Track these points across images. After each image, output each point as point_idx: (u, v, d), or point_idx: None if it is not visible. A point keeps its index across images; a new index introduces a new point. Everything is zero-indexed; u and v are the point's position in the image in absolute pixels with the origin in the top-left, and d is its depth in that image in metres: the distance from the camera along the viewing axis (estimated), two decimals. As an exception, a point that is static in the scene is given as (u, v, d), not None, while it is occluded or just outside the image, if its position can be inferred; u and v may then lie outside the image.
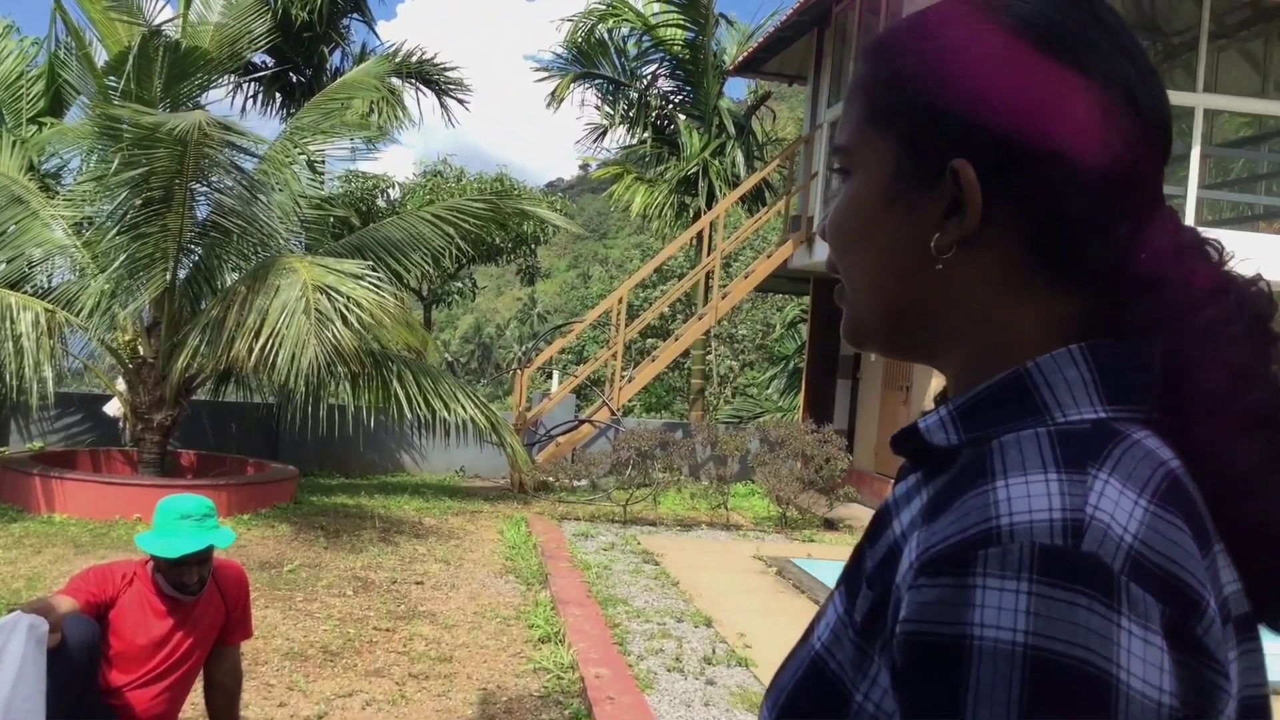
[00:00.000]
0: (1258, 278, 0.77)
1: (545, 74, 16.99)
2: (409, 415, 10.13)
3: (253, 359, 8.90)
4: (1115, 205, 0.73)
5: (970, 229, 0.73)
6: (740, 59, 15.59)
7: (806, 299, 16.41)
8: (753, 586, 7.99)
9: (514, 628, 6.47)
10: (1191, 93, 11.21)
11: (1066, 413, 0.70)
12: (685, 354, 15.65)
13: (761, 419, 18.32)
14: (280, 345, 8.69)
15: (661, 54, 16.75)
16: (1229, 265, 0.77)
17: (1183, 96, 11.35)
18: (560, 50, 17.01)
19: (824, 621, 0.80)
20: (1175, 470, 0.68)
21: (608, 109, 17.28)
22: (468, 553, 8.57)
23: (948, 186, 0.74)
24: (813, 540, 9.99)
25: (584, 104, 17.74)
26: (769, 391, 20.80)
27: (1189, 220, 10.99)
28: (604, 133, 17.62)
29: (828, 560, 8.99)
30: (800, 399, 16.06)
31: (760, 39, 14.89)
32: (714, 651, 6.12)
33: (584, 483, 11.55)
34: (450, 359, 32.44)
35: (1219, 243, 0.78)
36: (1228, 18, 11.81)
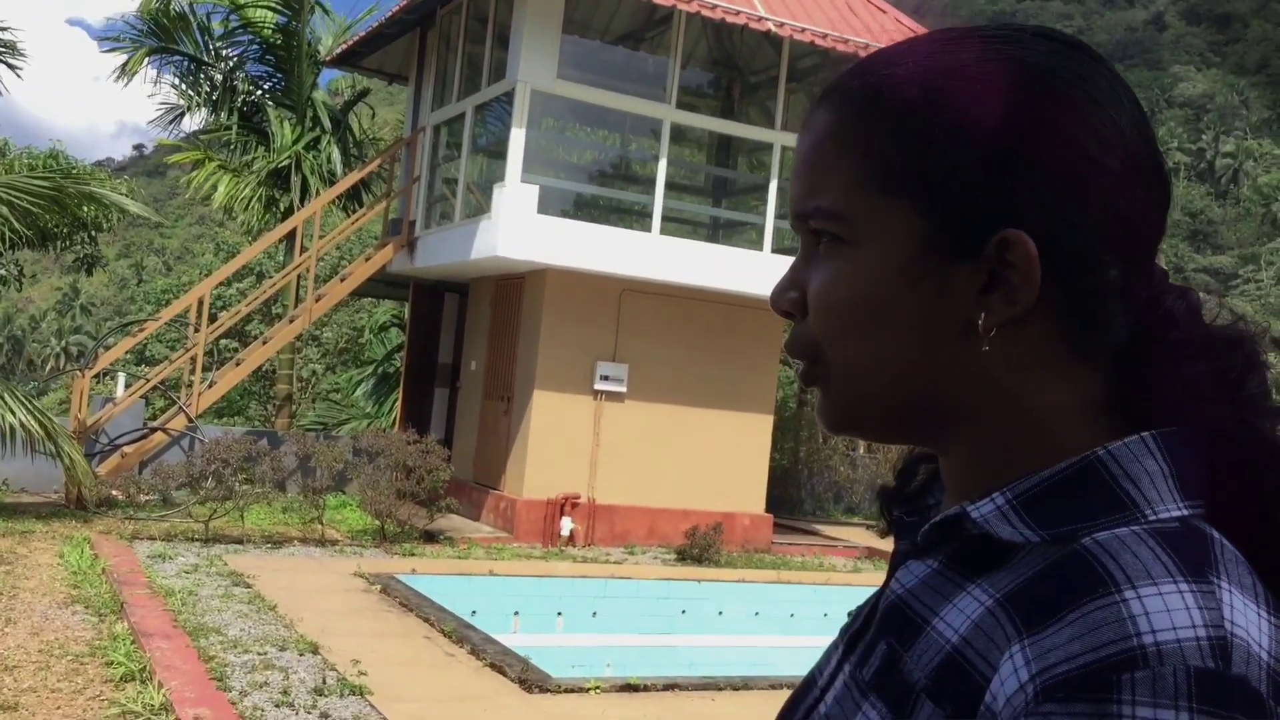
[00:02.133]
0: (1242, 319, 0.72)
1: (115, 45, 15.41)
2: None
3: None
4: (1138, 270, 0.69)
5: (1025, 308, 0.67)
6: (337, 51, 14.97)
7: (398, 303, 16.06)
8: (357, 606, 7.60)
9: (90, 666, 5.70)
10: (770, 130, 12.13)
11: (1156, 510, 0.63)
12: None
13: (348, 425, 17.71)
14: None
15: (250, 36, 15.74)
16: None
17: (763, 133, 12.27)
18: (134, 21, 15.50)
19: None
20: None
21: (187, 89, 15.96)
22: (22, 580, 7.49)
23: (989, 259, 0.67)
24: (414, 554, 9.70)
25: (159, 81, 16.26)
26: (356, 396, 20.17)
27: (767, 247, 11.88)
28: (182, 114, 16.28)
29: (432, 575, 8.76)
30: (392, 405, 15.68)
31: (361, 33, 14.37)
32: (325, 681, 5.71)
33: (156, 497, 10.54)
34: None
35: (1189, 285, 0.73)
36: (800, 63, 12.90)
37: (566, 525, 11.02)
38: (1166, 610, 0.56)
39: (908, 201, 0.68)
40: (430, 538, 10.44)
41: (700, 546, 10.84)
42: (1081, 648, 0.56)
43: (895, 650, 0.68)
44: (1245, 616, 0.58)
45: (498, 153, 11.62)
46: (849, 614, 0.80)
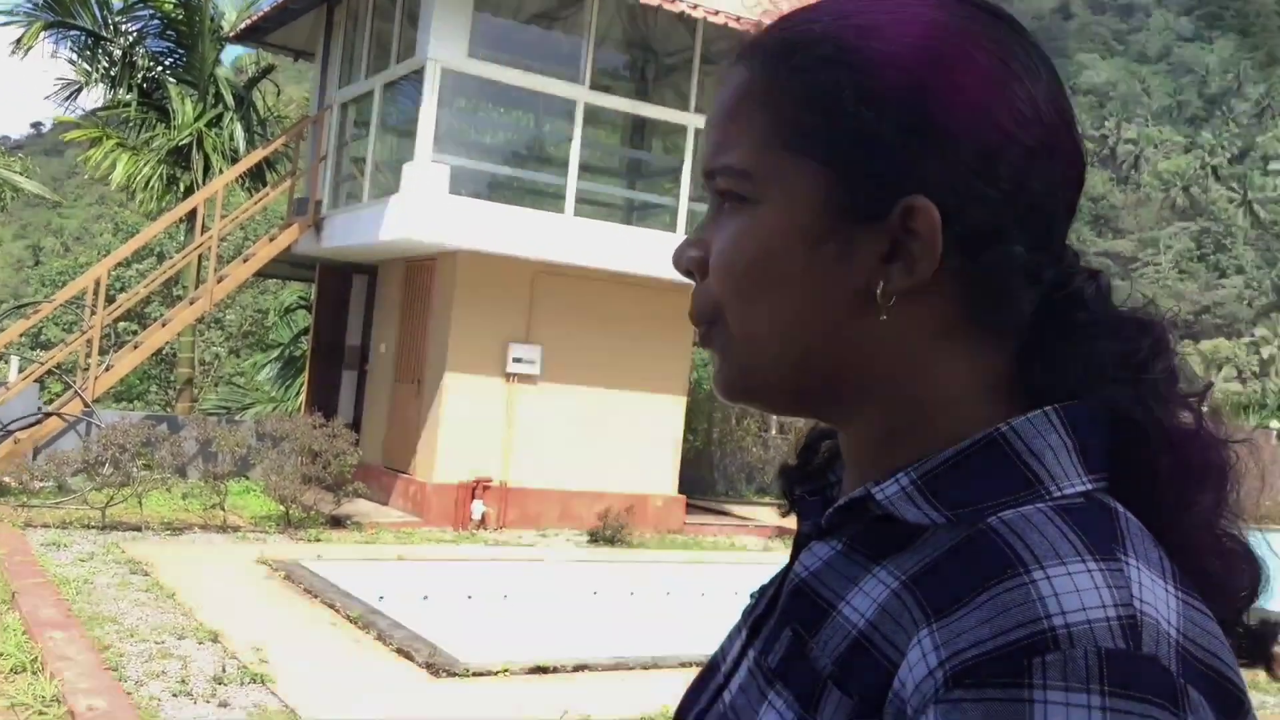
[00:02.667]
0: (1153, 303, 0.71)
1: (9, 19, 14.81)
2: None
3: None
4: (1046, 248, 0.67)
5: (924, 279, 0.65)
6: (241, 26, 14.59)
7: (304, 285, 15.76)
8: (260, 594, 7.44)
9: (-24, 660, 5.49)
10: (684, 112, 12.12)
11: (1060, 485, 0.63)
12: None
13: (253, 410, 17.35)
14: None
15: (151, 10, 15.26)
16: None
17: (678, 115, 12.25)
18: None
19: None
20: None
21: (85, 65, 15.43)
22: (-95, 571, 7.19)
23: (892, 226, 0.65)
24: (319, 540, 9.54)
25: (55, 56, 15.70)
26: (260, 380, 19.77)
27: (681, 230, 11.88)
28: (79, 90, 15.73)
29: (339, 561, 8.62)
30: (299, 389, 15.40)
31: (265, 8, 14.02)
32: (225, 670, 5.58)
33: (50, 484, 10.21)
34: None
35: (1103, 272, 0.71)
36: (714, 45, 12.89)
37: (478, 509, 10.93)
38: (1076, 590, 0.55)
39: (813, 161, 0.66)
40: (337, 523, 10.28)
41: (613, 528, 10.84)
42: (991, 631, 0.55)
43: (801, 636, 0.66)
44: (1153, 593, 0.57)
45: (407, 132, 11.43)
46: (751, 595, 0.78)
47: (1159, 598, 0.57)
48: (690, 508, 12.67)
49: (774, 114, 0.68)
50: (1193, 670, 0.55)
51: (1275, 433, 22.92)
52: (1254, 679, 0.68)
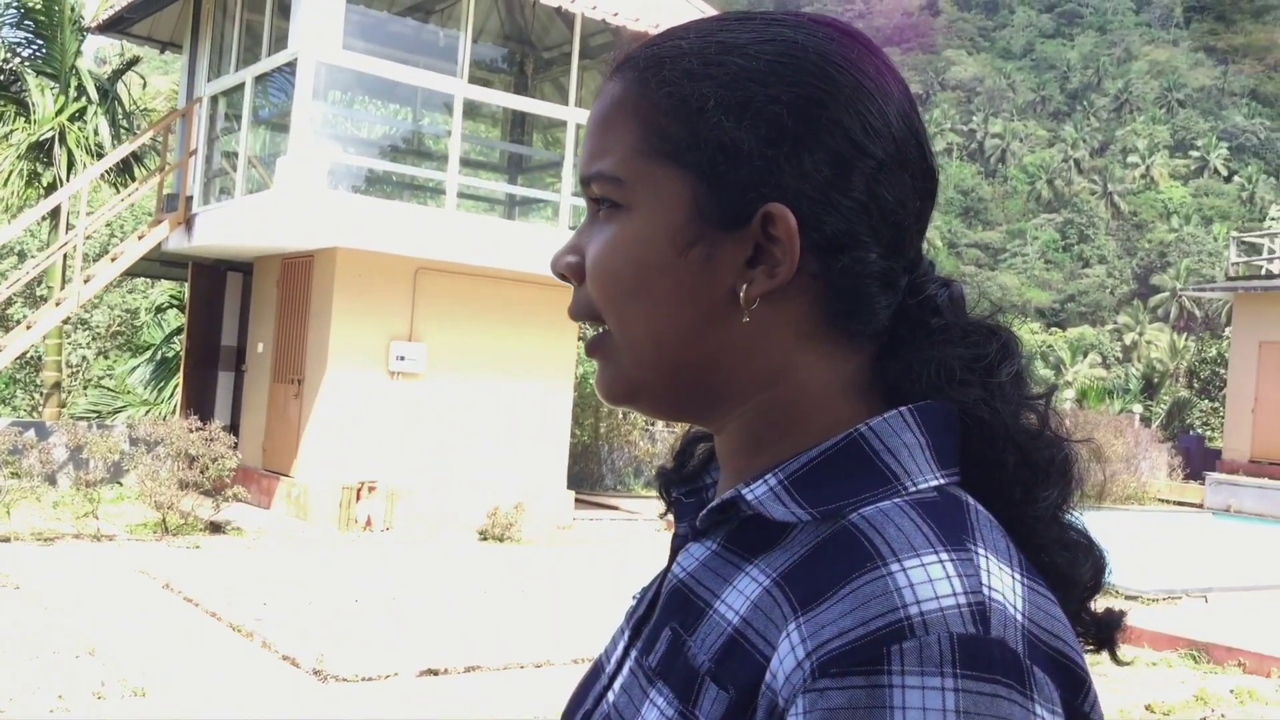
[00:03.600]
0: (998, 316, 0.76)
1: None
2: None
3: None
4: (901, 257, 0.72)
5: (784, 281, 0.69)
6: (104, 17, 14.05)
7: (176, 284, 15.28)
8: (139, 604, 7.20)
9: None
10: (564, 106, 12.09)
11: (915, 481, 0.67)
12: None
13: (125, 413, 16.75)
14: None
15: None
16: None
17: (558, 110, 12.22)
18: None
19: None
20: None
21: (-67, 55, 14.65)
22: None
23: (754, 232, 0.69)
24: (198, 547, 9.27)
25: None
26: (131, 382, 19.09)
27: (563, 224, 11.87)
28: (-73, 82, 14.93)
29: (220, 567, 8.39)
30: (174, 392, 14.94)
31: (129, -2, 13.51)
32: (104, 685, 5.38)
33: (-94, 496, 9.72)
34: None
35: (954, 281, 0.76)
36: (593, 40, 12.90)
37: (363, 510, 10.76)
38: (929, 580, 0.59)
39: (681, 169, 0.70)
40: (217, 529, 10.01)
41: (502, 526, 10.78)
42: (853, 622, 0.58)
43: (679, 635, 0.69)
44: (1001, 580, 0.61)
45: (281, 126, 11.18)
46: (634, 596, 0.81)
47: (1006, 585, 0.61)
48: (579, 503, 12.68)
49: (644, 124, 0.71)
50: (1038, 652, 0.60)
51: (1138, 417, 23.97)
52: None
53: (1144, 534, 13.94)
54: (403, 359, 11.15)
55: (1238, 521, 18.42)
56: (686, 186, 0.70)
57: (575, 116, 11.89)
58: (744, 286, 0.69)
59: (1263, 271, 22.77)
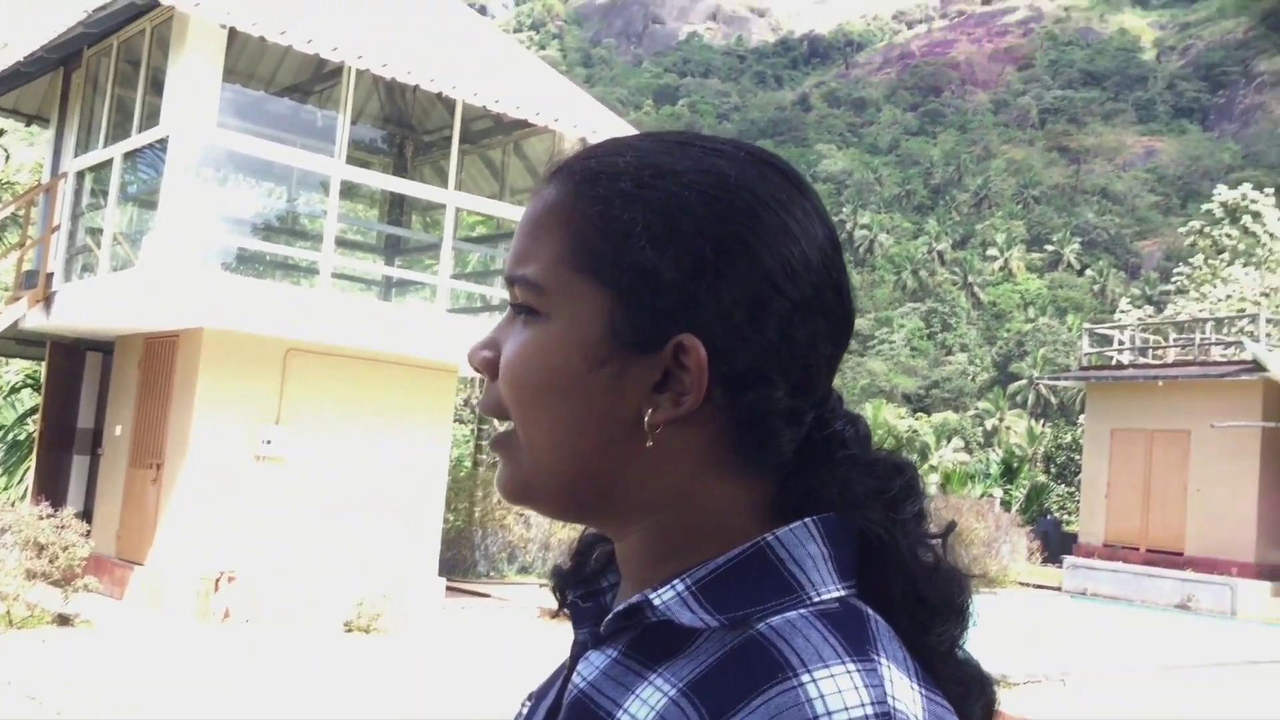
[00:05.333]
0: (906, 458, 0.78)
1: None
2: None
3: None
4: (809, 395, 0.73)
5: (689, 411, 0.69)
6: (-34, 87, 13.59)
7: (33, 363, 14.67)
8: (-26, 705, 6.76)
9: None
10: (444, 189, 12.11)
11: (819, 591, 0.68)
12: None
13: (-31, 498, 15.86)
14: None
15: None
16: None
17: (437, 192, 12.23)
18: None
19: None
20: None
21: None
22: None
23: (665, 358, 0.69)
24: (45, 641, 8.78)
25: None
26: (-22, 466, 18.13)
27: (441, 307, 11.81)
28: None
29: (66, 662, 7.95)
30: (23, 476, 14.25)
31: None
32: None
33: None
34: None
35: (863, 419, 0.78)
36: (474, 125, 13.00)
37: (222, 601, 10.35)
38: (838, 691, 0.61)
39: (602, 286, 0.71)
40: (65, 621, 9.49)
41: (368, 617, 10.50)
42: None
43: None
44: (903, 690, 0.63)
45: (150, 202, 10.92)
46: (524, 702, 0.80)
47: (908, 695, 0.64)
48: (451, 590, 12.43)
49: (572, 236, 0.72)
50: None
51: (998, 501, 24.70)
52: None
53: (1005, 617, 14.28)
54: (269, 443, 10.86)
55: (1094, 604, 19.03)
56: (605, 304, 0.70)
57: (455, 200, 11.90)
58: (649, 411, 0.70)
59: (1113, 362, 23.84)
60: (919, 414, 60.65)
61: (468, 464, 15.59)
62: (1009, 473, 28.57)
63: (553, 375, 0.71)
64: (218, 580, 10.37)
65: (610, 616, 0.72)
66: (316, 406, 11.19)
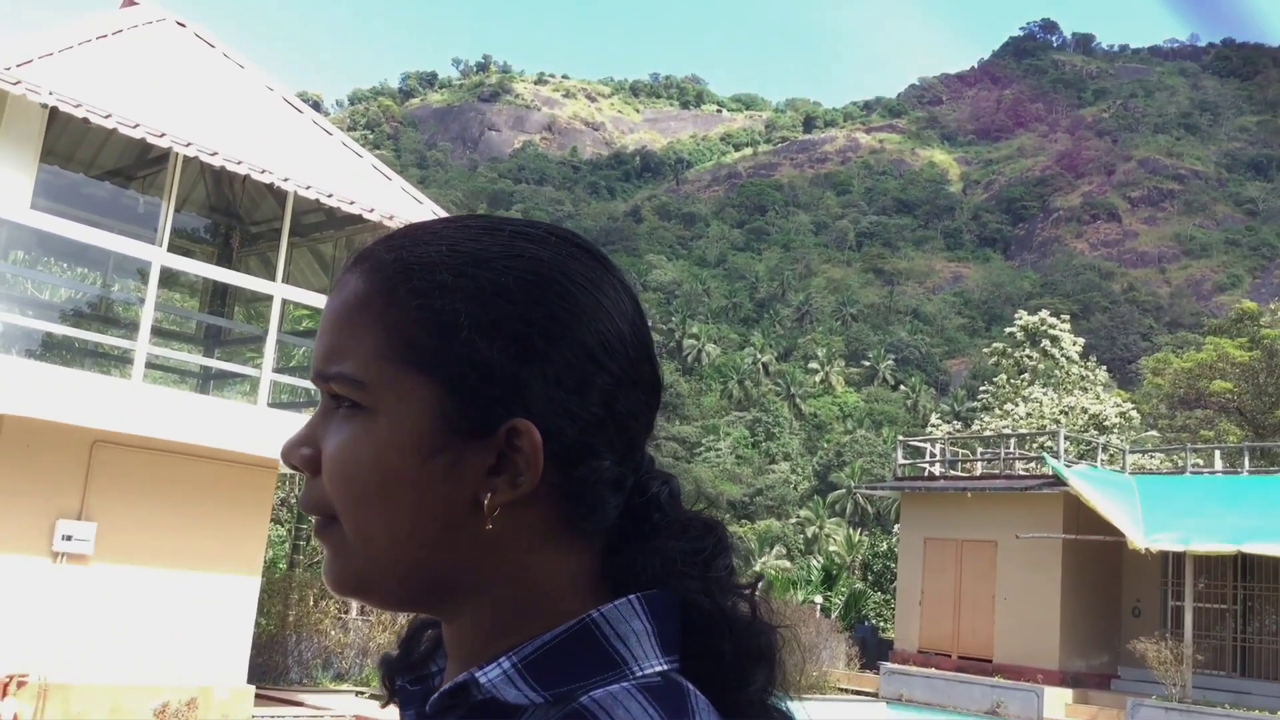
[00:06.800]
0: (713, 505, 0.83)
1: None
2: None
3: None
4: (631, 462, 0.76)
5: (527, 491, 0.71)
6: None
7: None
8: None
9: None
10: (272, 281, 11.85)
11: (642, 666, 0.70)
12: None
13: None
14: None
15: None
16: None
17: (263, 284, 11.97)
18: None
19: None
20: None
21: None
22: None
23: (498, 442, 0.71)
24: None
25: None
26: None
27: (263, 401, 11.46)
28: None
29: None
30: None
31: None
32: None
33: None
34: None
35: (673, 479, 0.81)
36: (304, 218, 12.83)
37: (9, 708, 9.57)
38: None
39: (428, 379, 0.71)
40: None
41: (171, 725, 9.87)
42: None
43: None
44: None
45: (-50, 282, 10.32)
46: None
47: None
48: (260, 698, 11.81)
49: (391, 330, 0.72)
50: None
51: (819, 607, 25.14)
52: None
53: (826, 723, 14.43)
54: (69, 539, 10.21)
55: (909, 711, 19.44)
56: (433, 395, 0.71)
57: (283, 292, 11.65)
58: (487, 495, 0.71)
59: (925, 473, 24.76)
60: (743, 520, 61.54)
61: (283, 565, 14.99)
62: (829, 579, 29.15)
63: (384, 471, 0.71)
64: (5, 684, 9.60)
65: (436, 695, 0.72)
66: (124, 500, 10.62)
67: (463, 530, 0.71)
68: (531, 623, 0.72)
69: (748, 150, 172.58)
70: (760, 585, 0.79)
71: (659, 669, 0.70)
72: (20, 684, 9.70)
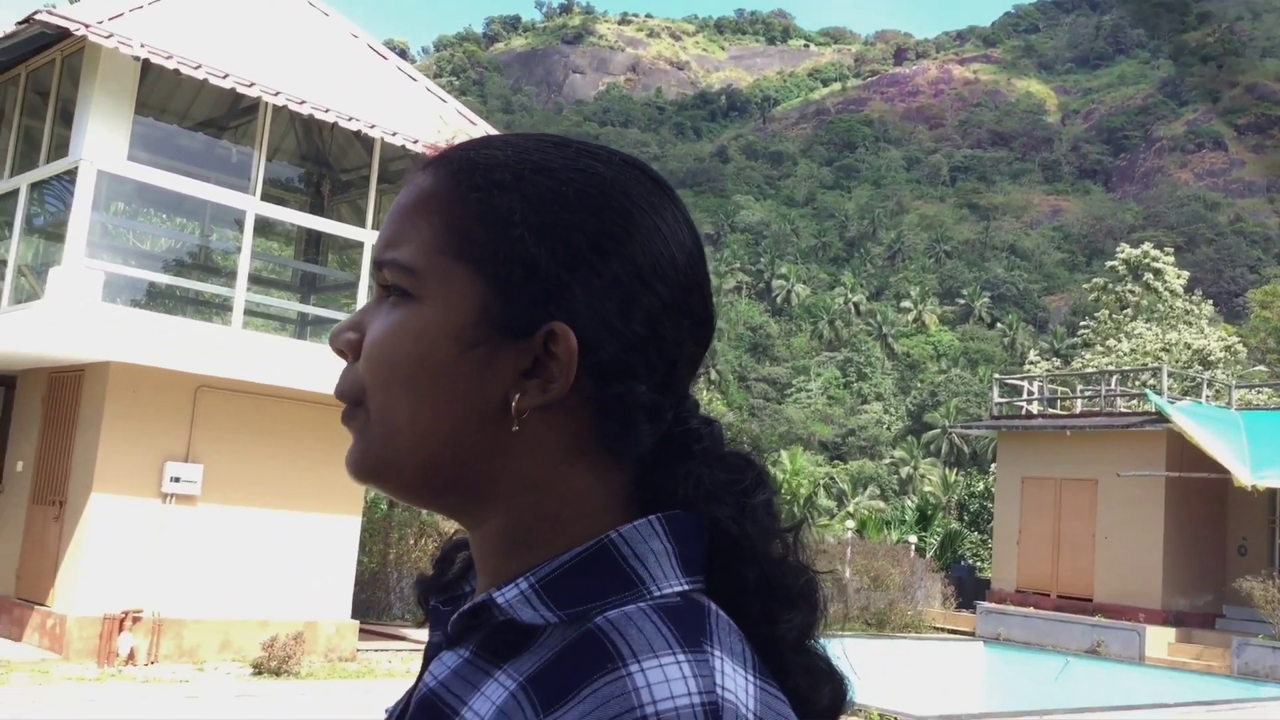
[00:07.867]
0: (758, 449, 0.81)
1: None
2: None
3: None
4: (670, 393, 0.75)
5: (556, 398, 0.71)
6: None
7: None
8: None
9: None
10: (362, 228, 12.03)
11: (660, 586, 0.70)
12: None
13: None
14: None
15: None
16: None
17: (354, 231, 12.15)
18: None
19: None
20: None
21: None
22: None
23: (535, 345, 0.71)
24: (-68, 686, 8.40)
25: None
26: None
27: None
28: None
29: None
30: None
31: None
32: None
33: None
34: None
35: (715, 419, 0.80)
36: (391, 165, 12.94)
37: (126, 643, 10.00)
38: (666, 680, 0.62)
39: (476, 272, 0.72)
40: (-44, 665, 9.10)
41: (279, 659, 10.21)
42: None
43: None
44: (734, 681, 0.64)
45: (57, 235, 10.65)
46: (386, 711, 0.81)
47: (739, 685, 0.64)
48: (364, 633, 12.17)
49: (448, 223, 0.73)
50: None
51: (913, 547, 24.98)
52: None
53: (920, 660, 14.40)
54: (177, 480, 10.58)
55: (1006, 650, 19.29)
56: (479, 290, 0.71)
57: (372, 239, 11.80)
58: (517, 396, 0.71)
59: (1023, 412, 24.35)
60: (835, 461, 61.33)
61: (384, 505, 15.35)
62: (923, 520, 28.91)
63: (423, 356, 0.72)
64: (121, 621, 10.03)
65: (455, 616, 0.73)
66: (227, 444, 10.95)
67: (489, 429, 0.71)
68: (554, 538, 0.72)
69: (836, 86, 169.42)
70: (800, 528, 0.77)
71: (679, 589, 0.70)
72: (135, 619, 10.12)
